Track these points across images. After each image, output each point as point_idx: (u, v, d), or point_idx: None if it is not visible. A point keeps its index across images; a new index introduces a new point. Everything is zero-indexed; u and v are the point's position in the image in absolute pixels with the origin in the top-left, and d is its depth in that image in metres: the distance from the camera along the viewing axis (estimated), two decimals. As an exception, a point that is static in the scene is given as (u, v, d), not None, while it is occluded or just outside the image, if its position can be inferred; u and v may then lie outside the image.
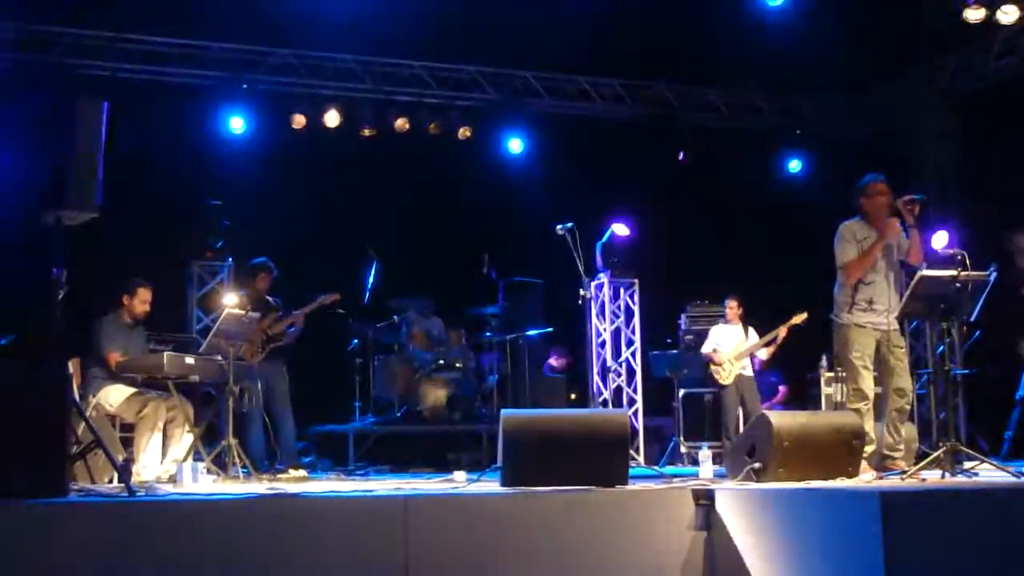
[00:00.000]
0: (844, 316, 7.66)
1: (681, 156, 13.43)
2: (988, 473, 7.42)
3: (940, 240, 11.72)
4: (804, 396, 12.89)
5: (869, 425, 7.47)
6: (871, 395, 7.56)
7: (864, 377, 7.56)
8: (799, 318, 11.47)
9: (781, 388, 13.68)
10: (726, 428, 11.58)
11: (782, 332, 11.62)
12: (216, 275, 11.49)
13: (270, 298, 10.09)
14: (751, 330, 11.88)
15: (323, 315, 10.27)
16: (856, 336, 7.60)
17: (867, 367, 7.58)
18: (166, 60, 11.96)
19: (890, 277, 7.70)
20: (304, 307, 9.95)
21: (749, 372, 11.79)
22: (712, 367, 11.71)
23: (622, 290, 12.65)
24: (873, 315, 7.60)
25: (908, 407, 7.77)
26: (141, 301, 8.76)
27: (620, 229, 12.29)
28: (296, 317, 9.89)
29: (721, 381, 11.67)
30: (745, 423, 11.50)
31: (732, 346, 11.70)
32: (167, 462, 8.26)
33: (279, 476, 8.81)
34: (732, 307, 11.93)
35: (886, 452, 7.58)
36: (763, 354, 11.77)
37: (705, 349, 11.88)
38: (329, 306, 10.15)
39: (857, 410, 7.45)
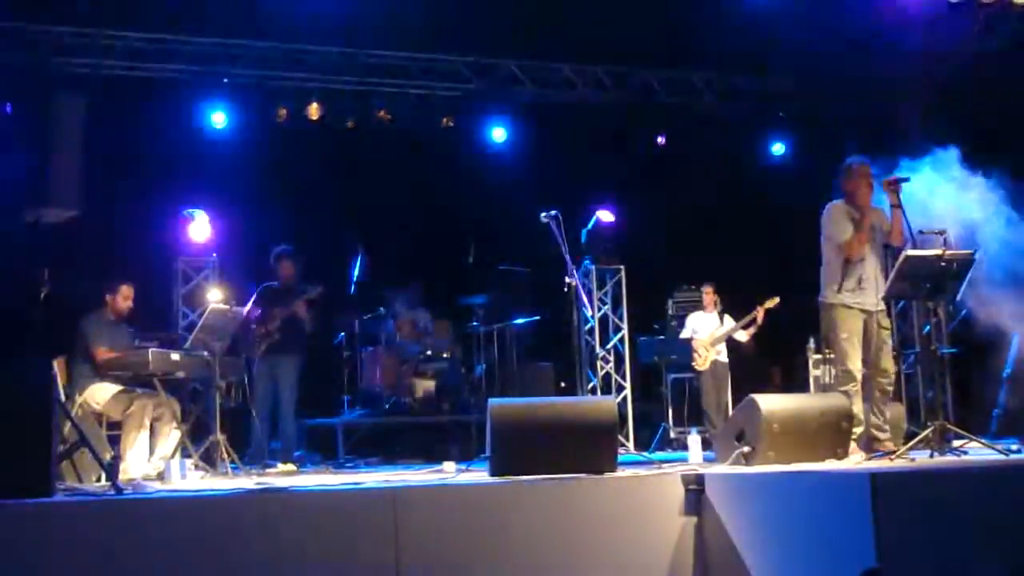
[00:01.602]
0: (832, 296, 7.65)
1: (662, 140, 13.43)
2: (977, 451, 7.44)
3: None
4: (792, 379, 12.92)
5: (858, 407, 7.48)
6: (859, 376, 7.56)
7: (852, 358, 7.56)
8: (771, 302, 11.65)
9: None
10: (705, 413, 11.75)
11: (759, 315, 11.74)
12: (201, 271, 11.45)
13: (306, 285, 10.00)
14: (726, 317, 12.04)
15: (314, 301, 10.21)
16: (844, 317, 7.60)
17: (855, 348, 7.58)
18: (146, 56, 11.88)
19: (875, 258, 7.71)
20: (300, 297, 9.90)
21: (724, 358, 11.96)
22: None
23: (608, 277, 12.65)
24: (861, 295, 7.60)
25: (891, 388, 7.78)
26: (124, 298, 8.71)
27: (605, 215, 12.30)
28: (298, 306, 9.84)
29: (697, 367, 11.81)
30: (716, 408, 11.76)
31: (707, 333, 11.84)
32: (155, 459, 8.22)
33: (268, 471, 8.80)
34: (708, 293, 12.11)
35: (873, 433, 7.59)
36: (742, 336, 11.89)
37: (683, 336, 12.00)
38: (315, 299, 10.08)
39: (846, 392, 7.45)
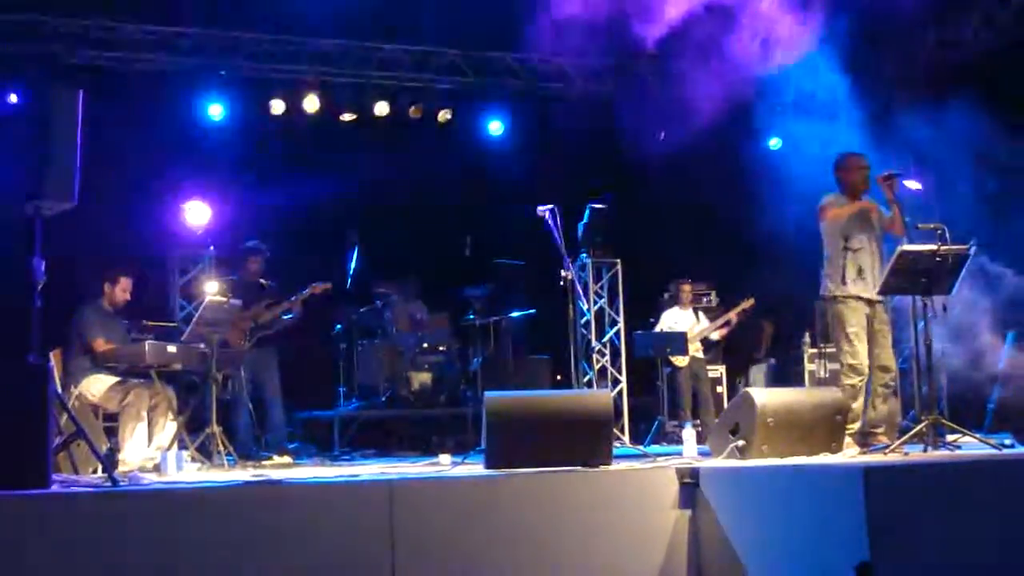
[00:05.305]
0: (837, 289, 7.64)
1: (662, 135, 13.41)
2: (970, 446, 7.46)
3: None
4: (787, 373, 12.93)
5: (859, 402, 7.49)
6: (866, 370, 7.56)
7: (859, 352, 7.55)
8: (747, 303, 11.77)
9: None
10: (680, 408, 11.86)
11: (732, 317, 12.03)
12: (197, 263, 11.44)
13: (263, 282, 10.00)
14: (701, 314, 12.25)
15: (307, 300, 10.22)
16: (851, 309, 7.60)
17: (863, 342, 7.58)
18: (143, 47, 11.88)
19: (874, 249, 7.75)
20: (296, 295, 9.87)
21: (701, 354, 12.14)
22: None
23: (604, 270, 12.66)
24: (863, 284, 7.62)
25: (893, 383, 7.78)
26: (122, 290, 8.69)
27: (599, 205, 12.29)
28: (293, 303, 9.82)
29: (678, 363, 11.87)
30: (696, 404, 11.93)
31: (683, 328, 11.93)
32: (151, 450, 8.22)
33: (264, 463, 8.80)
34: (686, 291, 12.20)
35: (868, 428, 7.61)
36: (715, 335, 12.06)
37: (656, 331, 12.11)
38: (319, 294, 10.09)
39: (853, 386, 7.44)
